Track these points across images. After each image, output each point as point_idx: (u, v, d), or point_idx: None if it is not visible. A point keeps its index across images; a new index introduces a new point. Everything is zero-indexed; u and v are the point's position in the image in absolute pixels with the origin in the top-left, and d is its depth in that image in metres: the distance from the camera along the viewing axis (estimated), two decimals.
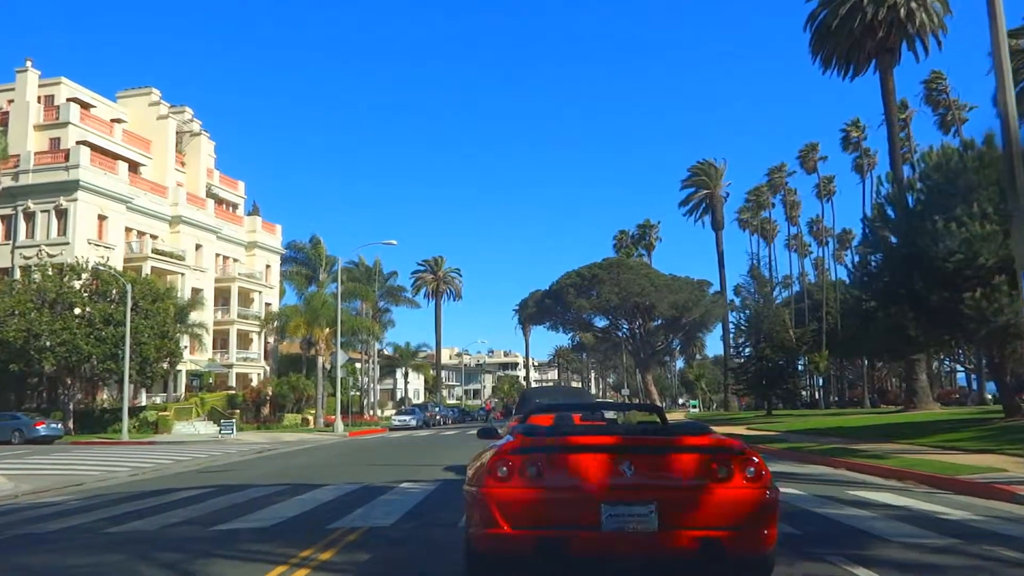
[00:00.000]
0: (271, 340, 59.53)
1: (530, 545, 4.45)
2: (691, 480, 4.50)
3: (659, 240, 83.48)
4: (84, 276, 35.53)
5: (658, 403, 64.12)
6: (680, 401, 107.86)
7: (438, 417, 57.19)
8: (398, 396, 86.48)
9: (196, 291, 51.57)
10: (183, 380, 48.29)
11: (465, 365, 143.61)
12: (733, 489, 4.45)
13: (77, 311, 35.02)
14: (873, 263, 21.45)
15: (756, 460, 4.57)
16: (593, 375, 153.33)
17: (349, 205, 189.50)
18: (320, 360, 42.63)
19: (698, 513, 4.40)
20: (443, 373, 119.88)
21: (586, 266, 61.37)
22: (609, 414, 10.67)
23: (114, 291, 35.93)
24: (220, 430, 32.82)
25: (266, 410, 47.64)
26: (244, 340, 57.77)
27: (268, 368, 59.79)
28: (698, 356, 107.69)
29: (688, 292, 58.51)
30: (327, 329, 41.46)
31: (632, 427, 6.12)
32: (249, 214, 61.63)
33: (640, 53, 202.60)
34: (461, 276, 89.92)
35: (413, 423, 46.24)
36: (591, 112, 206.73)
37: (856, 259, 22.49)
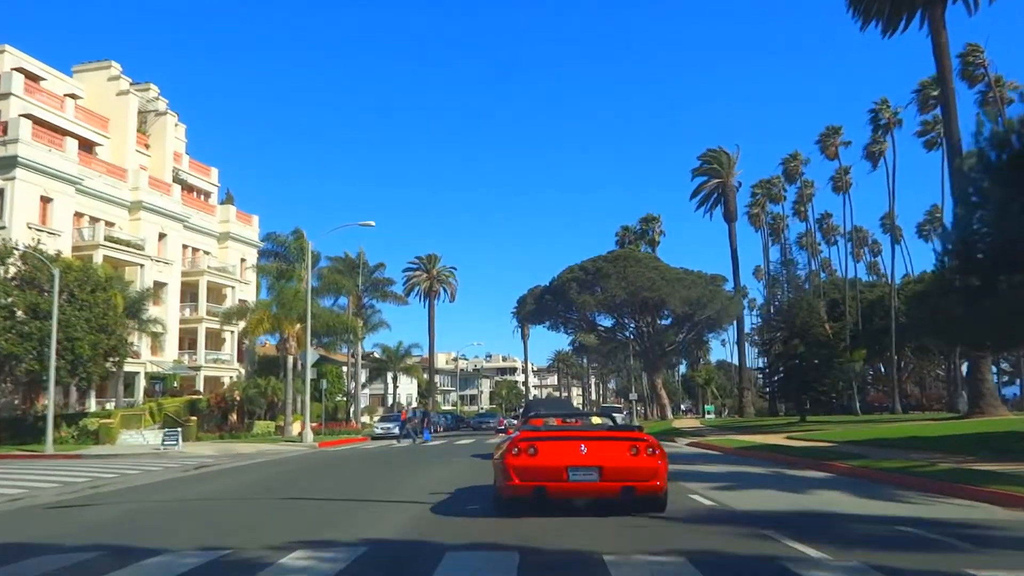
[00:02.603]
0: (247, 340, 54.55)
1: (530, 491, 8.67)
2: (618, 455, 8.60)
3: (663, 235, 78.40)
4: (8, 261, 30.45)
5: (668, 409, 59.02)
6: (683, 407, 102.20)
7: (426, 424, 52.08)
8: (390, 401, 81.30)
9: (159, 285, 46.57)
10: (141, 383, 43.19)
11: (462, 370, 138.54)
12: (641, 460, 8.59)
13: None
14: (974, 230, 16.32)
15: (655, 444, 8.78)
16: (593, 381, 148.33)
17: (339, 202, 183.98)
18: (290, 360, 37.55)
19: (621, 473, 8.54)
20: (438, 378, 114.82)
21: (590, 259, 56.36)
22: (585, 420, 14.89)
23: (46, 279, 30.84)
24: (163, 441, 27.76)
25: (234, 417, 42.55)
26: (215, 340, 52.72)
27: (243, 371, 54.73)
28: (702, 360, 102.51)
29: (702, 287, 53.45)
30: (298, 325, 36.43)
31: (590, 425, 12.29)
32: (222, 203, 56.66)
33: (639, 40, 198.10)
34: (456, 276, 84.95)
35: (397, 431, 41.17)
36: (591, 104, 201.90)
37: (947, 226, 17.23)
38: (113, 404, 40.87)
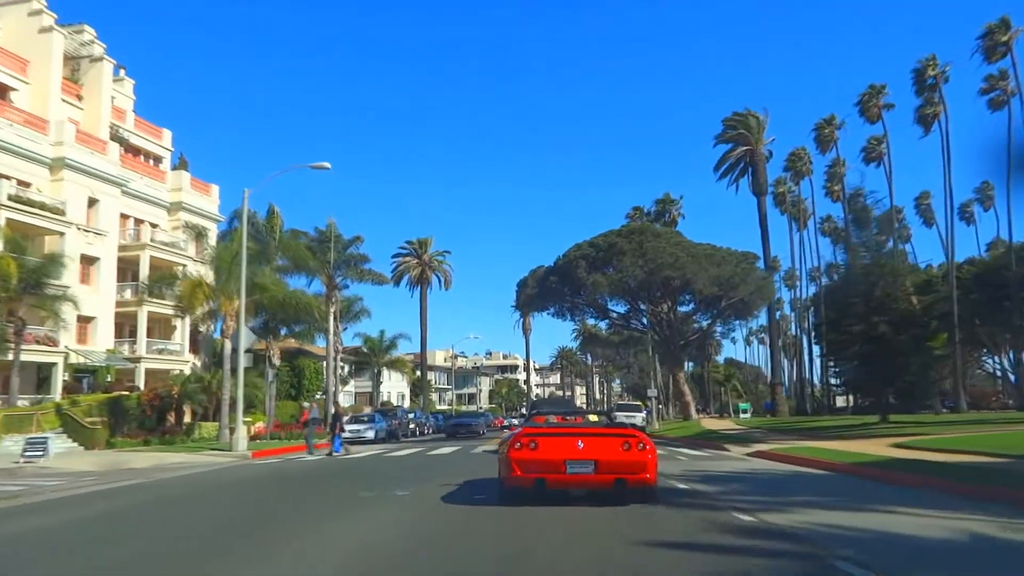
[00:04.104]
0: (204, 328, 46.90)
1: (531, 482, 9.30)
2: (611, 450, 9.17)
3: (682, 217, 70.51)
4: None
5: (691, 407, 51.23)
6: (697, 407, 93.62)
7: (412, 426, 44.39)
8: (379, 401, 73.45)
9: (89, 260, 38.95)
10: (60, 377, 35.46)
11: (460, 368, 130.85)
12: (632, 454, 9.16)
13: None
14: None
15: (645, 440, 9.41)
16: (597, 380, 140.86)
17: (318, 181, 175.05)
18: (228, 345, 29.76)
19: (614, 466, 9.12)
20: (434, 376, 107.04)
21: (601, 235, 48.53)
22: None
23: None
24: (24, 451, 20.12)
25: (171, 418, 34.90)
26: (164, 328, 45.07)
27: (199, 363, 47.08)
28: (712, 356, 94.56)
29: (733, 264, 45.62)
30: (236, 300, 28.73)
31: (587, 423, 12.76)
32: (175, 168, 48.96)
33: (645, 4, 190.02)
34: (450, 263, 77.26)
35: (371, 435, 33.49)
36: (598, 69, 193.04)
37: None
38: (30, 401, 33.20)
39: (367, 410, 53.48)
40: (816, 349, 73.16)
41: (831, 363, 32.39)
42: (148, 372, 41.20)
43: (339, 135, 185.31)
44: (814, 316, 69.81)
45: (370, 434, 33.34)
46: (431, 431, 47.31)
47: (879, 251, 26.49)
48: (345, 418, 25.76)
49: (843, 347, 27.11)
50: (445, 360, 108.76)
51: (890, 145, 56.35)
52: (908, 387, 26.04)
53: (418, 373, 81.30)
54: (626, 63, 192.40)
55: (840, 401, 67.81)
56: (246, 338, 24.84)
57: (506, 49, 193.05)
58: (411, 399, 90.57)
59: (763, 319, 77.95)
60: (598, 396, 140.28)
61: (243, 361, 24.54)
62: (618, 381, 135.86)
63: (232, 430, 25.97)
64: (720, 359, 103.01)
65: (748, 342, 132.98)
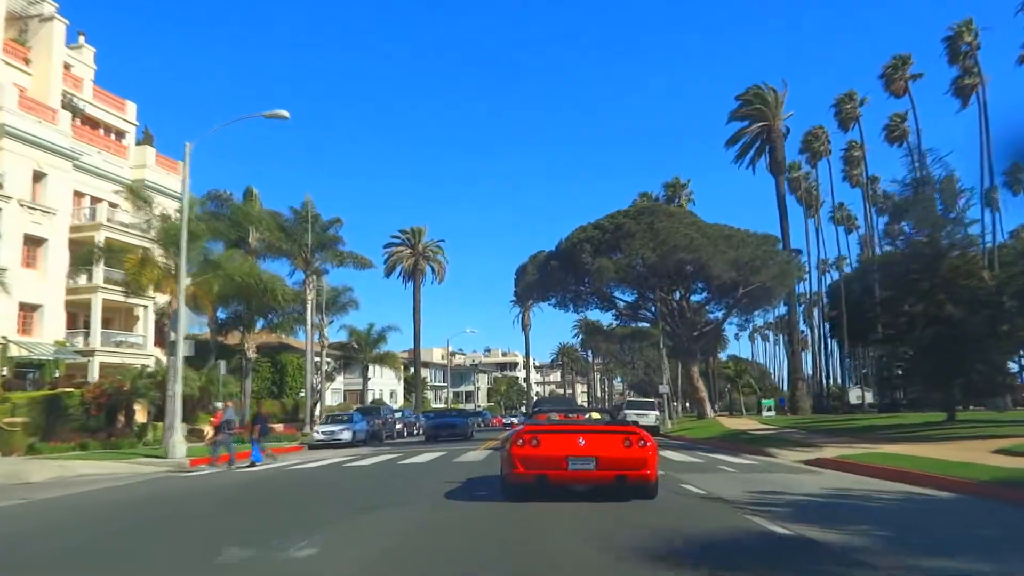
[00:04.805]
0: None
1: (533, 478, 9.28)
2: (612, 447, 9.14)
3: (692, 203, 66.19)
4: None
5: (707, 404, 46.93)
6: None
7: (400, 426, 40.11)
8: (370, 399, 69.07)
9: (35, 241, 34.74)
10: None
11: (457, 365, 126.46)
12: (633, 451, 9.10)
13: None
14: None
15: (646, 437, 9.34)
16: (598, 377, 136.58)
17: (314, 175, 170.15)
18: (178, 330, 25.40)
19: (615, 462, 9.07)
20: (429, 373, 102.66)
21: (607, 216, 44.22)
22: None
23: None
24: None
25: (122, 418, 30.62)
26: (126, 318, 40.87)
27: (165, 357, 42.75)
28: (717, 352, 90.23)
29: (753, 246, 41.27)
30: (194, 279, 24.47)
31: (588, 420, 12.13)
32: (139, 144, 44.62)
33: None
34: (445, 254, 72.96)
35: (347, 436, 29.16)
36: (599, 58, 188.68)
37: None
38: None
39: (354, 408, 49.13)
40: (829, 344, 69.78)
41: (882, 354, 28.05)
42: (104, 367, 36.89)
43: (326, 118, 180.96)
44: (830, 309, 65.93)
45: (346, 436, 29.01)
46: (421, 431, 43.06)
47: (947, 220, 22.13)
48: (255, 424, 20.26)
49: (900, 332, 22.78)
50: (443, 358, 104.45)
51: (919, 120, 51.85)
52: (980, 378, 21.69)
53: (411, 370, 77.13)
54: (629, 45, 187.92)
55: (852, 398, 63.72)
56: (187, 321, 20.54)
57: (500, 30, 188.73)
58: (405, 397, 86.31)
59: (770, 313, 74.02)
60: (599, 394, 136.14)
61: (183, 349, 20.24)
62: (619, 379, 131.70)
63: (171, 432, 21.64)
64: (722, 355, 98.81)
65: (752, 339, 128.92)
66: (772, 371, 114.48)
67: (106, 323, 38.89)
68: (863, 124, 58.19)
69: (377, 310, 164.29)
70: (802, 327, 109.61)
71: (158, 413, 32.02)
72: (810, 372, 69.88)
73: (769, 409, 45.09)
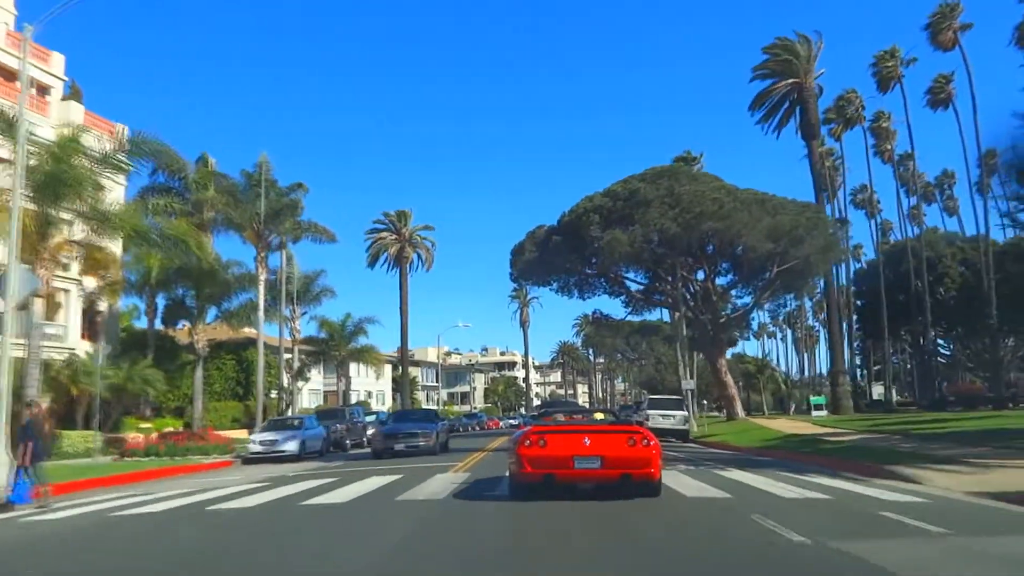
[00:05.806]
0: (108, 305, 36.07)
1: (540, 477, 9.60)
2: (617, 446, 9.46)
3: None
4: None
5: (737, 403, 40.25)
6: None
7: (372, 431, 33.30)
8: (353, 399, 62.43)
9: None
10: None
11: (452, 364, 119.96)
12: (637, 450, 9.42)
13: None
14: None
15: (649, 436, 9.72)
16: (600, 377, 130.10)
17: (293, 161, 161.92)
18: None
19: (619, 461, 9.38)
20: (421, 372, 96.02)
21: (619, 181, 37.58)
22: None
23: None
24: None
25: (47, 426, 23.95)
26: (47, 305, 34.06)
27: (100, 351, 36.09)
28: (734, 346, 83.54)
29: (794, 213, 34.67)
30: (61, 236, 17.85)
31: (593, 420, 12.34)
32: (65, 99, 37.98)
33: None
34: (435, 241, 66.35)
35: (291, 447, 22.32)
36: (602, 20, 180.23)
37: None
38: None
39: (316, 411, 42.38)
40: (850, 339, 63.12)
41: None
42: (15, 362, 30.14)
43: (301, 94, 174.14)
44: (855, 299, 59.50)
45: (291, 446, 22.18)
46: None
47: None
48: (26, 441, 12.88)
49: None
50: (438, 357, 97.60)
51: (973, 80, 45.07)
52: None
53: (400, 368, 70.47)
54: (637, 8, 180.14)
55: (874, 394, 57.45)
56: (22, 283, 13.88)
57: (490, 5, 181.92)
58: (393, 398, 79.74)
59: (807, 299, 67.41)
60: (600, 395, 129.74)
61: (11, 319, 13.59)
62: (620, 379, 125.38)
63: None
64: (727, 353, 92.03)
65: (758, 336, 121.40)
66: (780, 370, 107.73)
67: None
68: (905, 87, 51.45)
69: (362, 305, 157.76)
70: (811, 322, 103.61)
71: (79, 418, 25.72)
72: (824, 370, 63.23)
73: (819, 408, 38.33)
